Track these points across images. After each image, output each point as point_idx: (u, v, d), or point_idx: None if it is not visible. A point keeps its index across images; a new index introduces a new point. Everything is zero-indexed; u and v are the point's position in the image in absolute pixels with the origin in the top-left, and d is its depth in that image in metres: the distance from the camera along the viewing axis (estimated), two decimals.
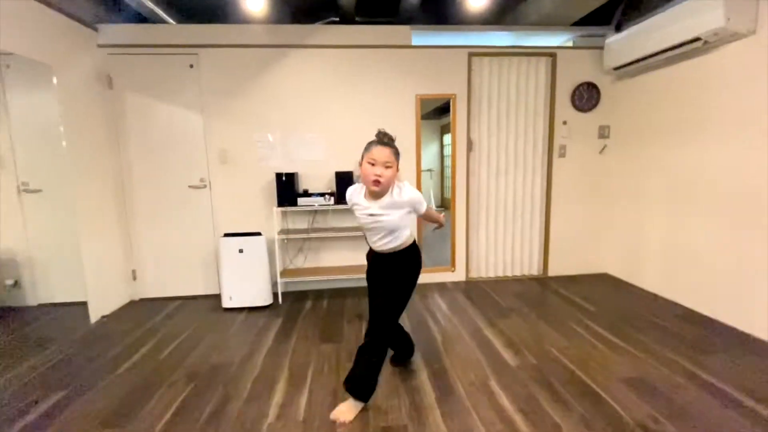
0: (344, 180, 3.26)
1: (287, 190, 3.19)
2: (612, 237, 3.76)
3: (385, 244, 1.84)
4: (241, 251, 3.12)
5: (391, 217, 1.77)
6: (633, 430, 1.66)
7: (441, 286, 3.63)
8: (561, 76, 3.58)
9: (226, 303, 3.16)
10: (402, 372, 2.17)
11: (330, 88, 3.39)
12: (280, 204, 3.21)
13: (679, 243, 3.03)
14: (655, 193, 3.24)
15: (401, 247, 1.85)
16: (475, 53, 3.47)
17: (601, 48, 3.48)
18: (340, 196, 3.26)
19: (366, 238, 1.95)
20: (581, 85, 3.59)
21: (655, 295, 3.24)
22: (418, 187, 3.56)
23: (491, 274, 3.83)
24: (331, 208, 3.30)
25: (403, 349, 2.21)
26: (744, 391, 1.91)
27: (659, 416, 1.74)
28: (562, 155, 3.69)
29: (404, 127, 3.50)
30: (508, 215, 3.75)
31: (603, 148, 3.71)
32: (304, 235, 3.40)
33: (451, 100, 3.51)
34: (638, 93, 3.37)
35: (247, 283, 3.15)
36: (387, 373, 2.15)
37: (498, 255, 3.82)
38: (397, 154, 1.82)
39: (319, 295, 3.46)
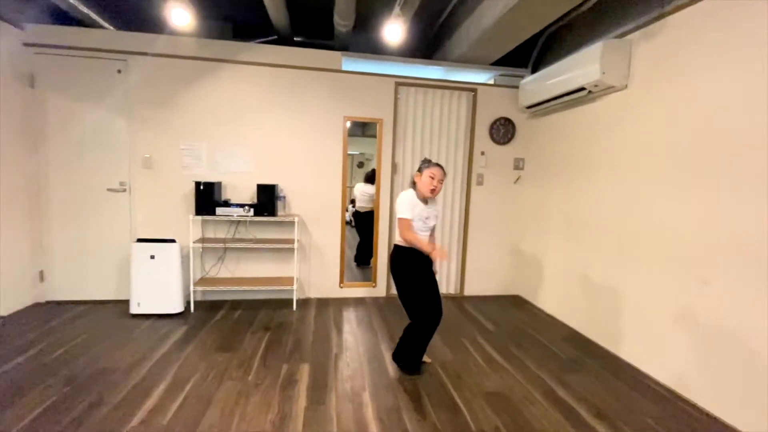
0: (266, 193, 3.35)
1: (206, 199, 3.25)
2: (523, 261, 4.03)
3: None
4: (152, 257, 3.13)
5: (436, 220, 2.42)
6: None
7: (359, 301, 3.75)
8: (481, 111, 3.87)
9: (134, 309, 3.14)
10: (285, 381, 2.25)
11: (260, 104, 3.52)
12: (198, 213, 3.26)
13: (572, 270, 3.31)
14: (555, 223, 3.54)
15: None
16: (401, 83, 3.71)
17: (518, 87, 3.80)
18: (260, 208, 3.35)
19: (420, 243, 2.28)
20: (499, 119, 3.90)
21: (552, 318, 3.49)
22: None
23: None
24: (249, 219, 3.37)
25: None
26: (591, 409, 2.11)
27: (503, 428, 1.91)
28: (480, 183, 3.95)
29: (331, 145, 3.66)
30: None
31: (517, 179, 4.01)
32: (224, 245, 3.44)
33: (378, 124, 3.71)
34: (546, 131, 3.70)
35: (157, 290, 3.15)
36: (267, 384, 2.23)
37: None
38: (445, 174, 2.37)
39: (235, 305, 3.49)
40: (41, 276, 3.33)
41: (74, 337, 2.71)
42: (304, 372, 2.36)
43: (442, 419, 1.95)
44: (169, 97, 3.38)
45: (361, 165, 7.19)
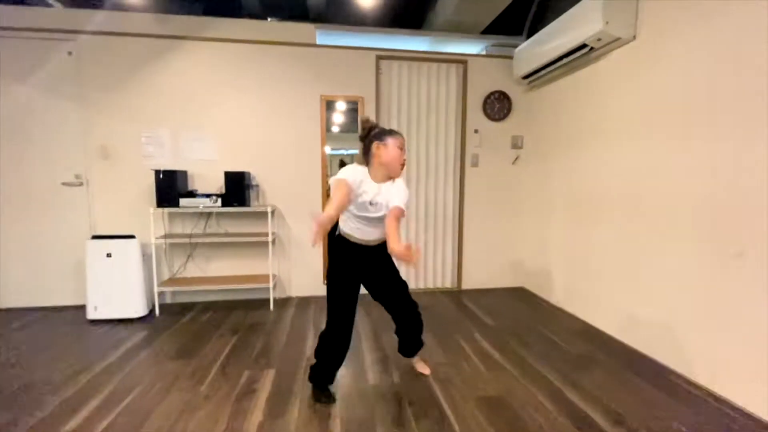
0: (235, 181, 3.02)
1: (167, 189, 2.92)
2: (525, 250, 3.65)
3: (376, 233, 1.78)
4: (109, 255, 2.81)
5: (388, 203, 1.68)
6: None
7: None
8: (472, 84, 3.51)
9: (91, 314, 2.81)
10: (243, 391, 1.90)
11: (228, 85, 3.19)
12: (160, 204, 2.93)
13: (579, 255, 2.93)
14: (559, 204, 3.16)
15: (383, 239, 1.76)
16: (383, 56, 3.36)
17: (512, 57, 3.44)
18: (229, 198, 3.02)
19: (346, 228, 1.79)
20: (493, 93, 3.53)
21: (560, 310, 3.11)
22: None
23: None
24: (216, 210, 3.04)
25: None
26: (607, 414, 1.74)
27: None
28: (475, 164, 3.59)
29: (308, 128, 3.32)
30: (420, 224, 3.59)
31: (516, 159, 3.64)
32: (191, 240, 3.11)
33: (358, 103, 3.37)
34: (546, 103, 3.33)
35: (116, 293, 2.82)
36: (221, 395, 1.88)
37: (409, 267, 3.63)
38: None
39: (206, 307, 3.15)
40: None
41: (13, 347, 2.39)
42: (267, 379, 2.01)
43: (425, 431, 1.60)
44: (126, 79, 3.07)
45: (342, 164, 6.87)
